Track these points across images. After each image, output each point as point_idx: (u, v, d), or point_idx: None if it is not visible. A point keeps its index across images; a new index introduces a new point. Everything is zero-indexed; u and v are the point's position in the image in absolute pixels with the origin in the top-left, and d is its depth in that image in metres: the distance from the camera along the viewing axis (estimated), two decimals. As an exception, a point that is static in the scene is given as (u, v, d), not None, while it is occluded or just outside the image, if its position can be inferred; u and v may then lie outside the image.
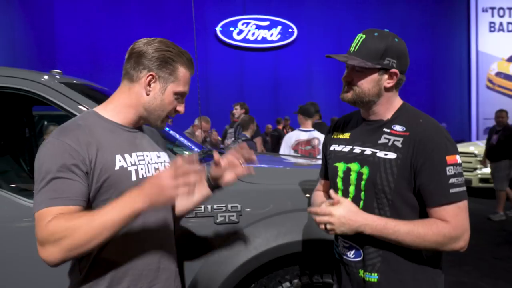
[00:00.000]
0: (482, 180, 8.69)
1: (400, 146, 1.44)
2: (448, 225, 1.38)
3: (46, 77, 2.21)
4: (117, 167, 1.33)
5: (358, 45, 1.49)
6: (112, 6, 13.85)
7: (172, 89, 1.41)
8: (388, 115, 1.53)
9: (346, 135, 1.62)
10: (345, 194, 1.53)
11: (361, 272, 1.51)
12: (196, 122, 6.97)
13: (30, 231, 1.76)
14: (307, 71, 15.78)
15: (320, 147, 4.71)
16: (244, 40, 15.60)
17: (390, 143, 1.46)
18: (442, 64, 17.42)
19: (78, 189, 1.25)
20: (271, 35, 15.79)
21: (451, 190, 1.38)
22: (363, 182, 1.49)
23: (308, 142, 4.97)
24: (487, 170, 8.72)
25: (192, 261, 2.04)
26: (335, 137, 1.67)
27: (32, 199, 1.34)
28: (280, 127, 8.49)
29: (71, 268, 1.40)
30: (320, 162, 1.88)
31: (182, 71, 1.41)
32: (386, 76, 1.49)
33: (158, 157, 1.50)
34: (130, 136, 1.43)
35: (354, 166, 1.51)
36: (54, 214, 1.20)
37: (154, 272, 1.44)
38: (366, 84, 1.48)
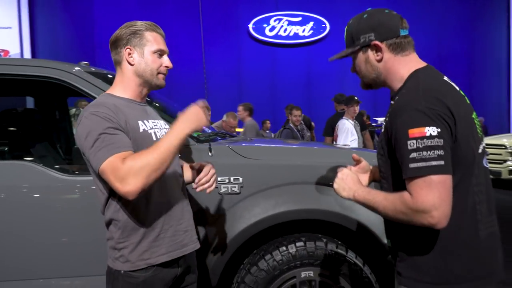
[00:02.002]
0: (513, 172, 8.57)
1: (387, 119, 1.49)
2: (411, 198, 1.34)
3: (76, 67, 2.54)
4: (141, 130, 1.67)
5: (345, 38, 1.62)
6: (149, 7, 14.40)
7: (149, 50, 1.71)
8: (397, 85, 1.52)
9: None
10: None
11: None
12: (225, 117, 7.03)
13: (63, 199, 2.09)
14: (340, 67, 15.73)
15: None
16: (276, 36, 15.75)
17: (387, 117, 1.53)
18: (480, 58, 16.95)
19: (127, 140, 1.58)
20: (303, 31, 15.86)
21: (411, 165, 1.32)
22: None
23: None
24: (518, 162, 8.59)
25: (198, 226, 2.31)
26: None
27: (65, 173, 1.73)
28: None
29: (109, 224, 1.69)
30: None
31: (149, 34, 1.72)
32: (370, 52, 1.52)
33: (165, 124, 1.85)
34: (141, 108, 1.77)
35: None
36: (121, 158, 1.50)
37: (180, 212, 1.76)
38: (362, 67, 1.58)
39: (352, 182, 1.57)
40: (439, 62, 15.98)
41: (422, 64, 1.53)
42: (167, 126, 1.83)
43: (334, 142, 5.96)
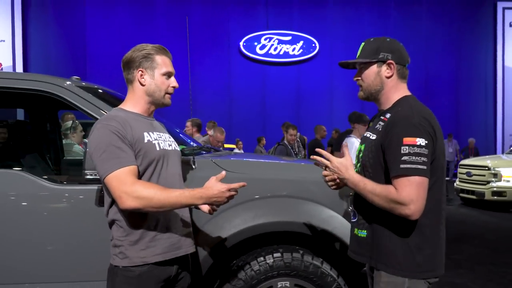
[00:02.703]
0: (496, 193, 8.76)
1: (380, 130, 1.78)
2: (396, 192, 1.65)
3: (68, 82, 2.65)
4: (145, 141, 1.85)
5: (360, 51, 1.91)
6: (140, 22, 14.60)
7: (159, 73, 1.92)
8: (387, 105, 1.85)
9: (371, 124, 1.99)
10: (356, 166, 1.92)
11: (356, 231, 1.91)
12: (211, 132, 7.00)
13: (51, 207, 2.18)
14: (329, 86, 16.02)
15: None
16: (267, 54, 16.03)
17: (378, 128, 1.81)
18: (467, 79, 17.35)
19: (132, 154, 1.78)
20: (293, 49, 16.17)
21: (402, 166, 1.64)
22: (360, 157, 1.89)
23: None
24: (501, 183, 8.79)
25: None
26: (369, 125, 2.03)
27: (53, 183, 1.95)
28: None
29: (112, 224, 1.87)
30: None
31: (159, 58, 1.93)
32: (384, 67, 1.83)
33: (169, 137, 2.03)
34: (148, 122, 1.96)
35: (362, 146, 1.91)
36: (127, 173, 1.73)
37: (177, 216, 1.92)
38: (369, 77, 1.86)
39: (344, 170, 1.81)
40: (425, 82, 16.33)
41: (410, 93, 1.87)
42: (171, 139, 2.04)
43: None
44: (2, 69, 12.08)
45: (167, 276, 1.89)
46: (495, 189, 8.76)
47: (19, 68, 13.24)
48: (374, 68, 1.84)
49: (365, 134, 1.93)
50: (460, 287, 4.49)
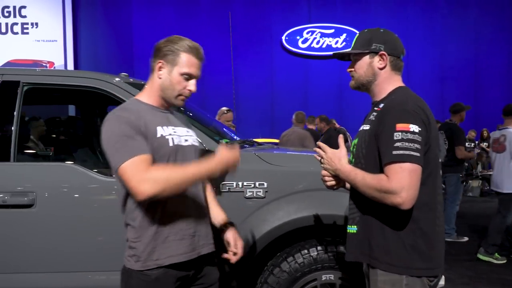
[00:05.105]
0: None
1: (374, 119, 1.75)
2: (387, 180, 1.58)
3: (116, 78, 2.75)
4: (158, 135, 1.75)
5: (354, 42, 1.87)
6: (185, 20, 14.85)
7: (178, 71, 1.77)
8: (381, 96, 1.81)
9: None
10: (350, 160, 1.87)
11: (348, 227, 1.86)
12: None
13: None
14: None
15: (506, 143, 5.11)
16: (309, 48, 15.86)
17: (372, 118, 1.77)
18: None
19: (145, 144, 1.69)
20: (336, 42, 15.91)
21: (394, 152, 1.58)
22: (354, 151, 1.85)
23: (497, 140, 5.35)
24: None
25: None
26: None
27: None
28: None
29: (127, 224, 1.80)
30: None
31: (185, 56, 1.77)
32: (377, 58, 1.79)
33: (188, 131, 1.93)
34: (163, 115, 1.85)
35: (356, 140, 1.87)
36: (140, 161, 1.62)
37: (191, 217, 1.83)
38: (361, 68, 1.82)
39: (337, 160, 1.78)
40: (475, 75, 15.67)
41: (404, 84, 1.84)
42: (190, 134, 1.92)
43: None
44: (54, 67, 12.66)
45: (185, 275, 1.81)
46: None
47: (70, 67, 13.81)
48: (366, 59, 1.80)
49: (360, 128, 1.87)
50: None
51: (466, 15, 15.95)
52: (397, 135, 1.59)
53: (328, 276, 2.47)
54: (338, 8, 15.97)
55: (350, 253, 1.84)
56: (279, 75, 15.60)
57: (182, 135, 1.86)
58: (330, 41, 15.88)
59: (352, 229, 1.82)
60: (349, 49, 1.85)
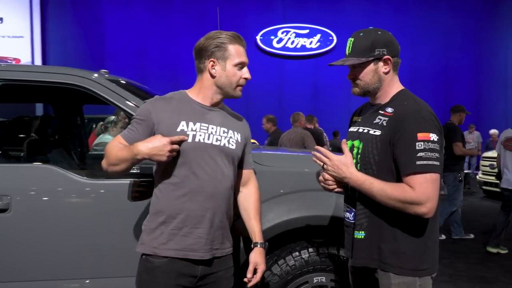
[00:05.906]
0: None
1: (385, 124, 1.70)
2: (413, 191, 1.58)
3: (96, 74, 2.60)
4: (178, 129, 1.78)
5: (350, 47, 1.79)
6: (158, 17, 14.60)
7: (231, 64, 1.82)
8: (386, 99, 1.78)
9: (359, 118, 1.90)
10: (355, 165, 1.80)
11: (355, 233, 1.79)
12: None
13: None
14: (346, 79, 15.80)
15: None
16: (284, 48, 15.91)
17: (380, 123, 1.72)
18: (486, 71, 16.99)
19: (136, 133, 1.81)
20: (311, 43, 16.01)
21: (418, 162, 1.57)
22: (359, 156, 1.77)
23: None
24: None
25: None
26: (354, 120, 1.97)
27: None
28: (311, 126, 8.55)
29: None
30: None
31: (233, 47, 1.82)
32: (381, 64, 1.75)
33: (225, 132, 1.87)
34: (202, 110, 1.86)
35: (356, 143, 1.80)
36: (116, 139, 1.85)
37: (203, 218, 1.80)
38: (367, 76, 1.76)
39: (345, 168, 1.71)
40: (445, 74, 16.04)
41: (401, 84, 1.82)
42: (229, 136, 1.88)
43: None
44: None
45: (189, 274, 1.80)
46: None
47: (38, 64, 13.38)
48: (371, 66, 1.75)
49: (359, 130, 1.81)
50: (490, 281, 4.39)
51: (436, 17, 16.34)
52: (419, 145, 1.59)
53: (319, 279, 2.40)
54: (312, 8, 16.08)
55: (358, 259, 1.79)
56: (254, 75, 15.16)
57: (213, 134, 1.83)
58: (304, 42, 15.97)
59: (359, 234, 1.77)
60: (350, 58, 1.76)
